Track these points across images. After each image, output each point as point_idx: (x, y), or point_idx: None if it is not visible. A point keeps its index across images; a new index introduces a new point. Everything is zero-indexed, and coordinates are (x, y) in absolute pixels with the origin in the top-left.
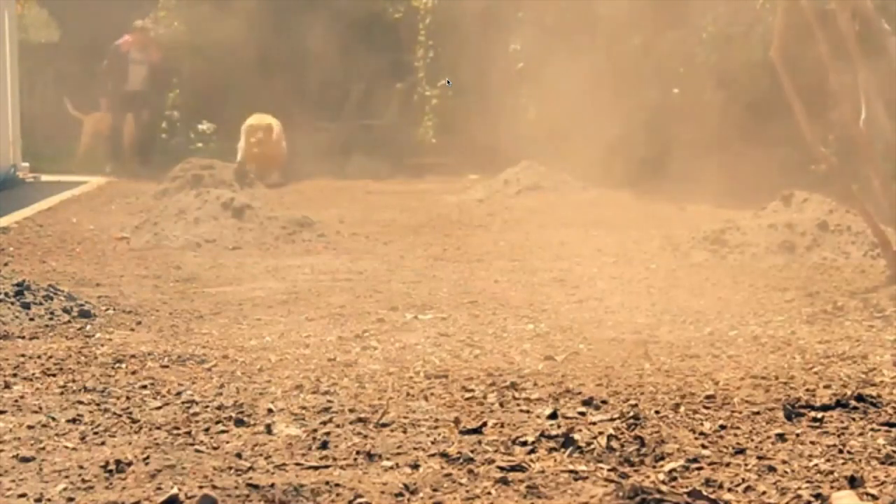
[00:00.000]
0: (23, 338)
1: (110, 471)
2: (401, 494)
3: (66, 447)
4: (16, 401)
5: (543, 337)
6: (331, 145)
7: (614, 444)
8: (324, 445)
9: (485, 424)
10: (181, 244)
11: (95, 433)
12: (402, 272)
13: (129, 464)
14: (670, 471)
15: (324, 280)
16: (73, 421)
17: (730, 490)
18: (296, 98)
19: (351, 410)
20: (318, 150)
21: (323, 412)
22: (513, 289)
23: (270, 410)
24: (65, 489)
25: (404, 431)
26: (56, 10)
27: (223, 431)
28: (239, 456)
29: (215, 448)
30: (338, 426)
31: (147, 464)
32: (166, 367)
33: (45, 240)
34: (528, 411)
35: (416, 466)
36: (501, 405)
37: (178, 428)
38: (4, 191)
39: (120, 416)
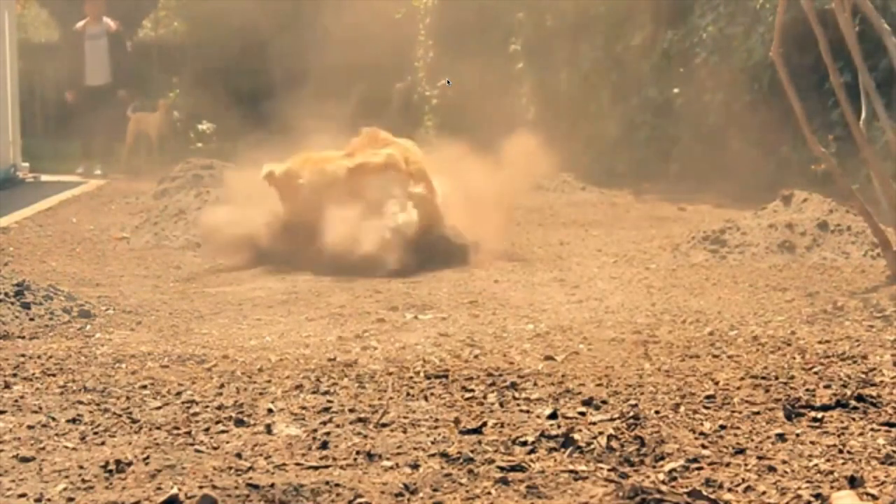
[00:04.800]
0: (23, 338)
1: (110, 471)
2: (401, 494)
3: (66, 447)
4: (16, 401)
5: (543, 337)
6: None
7: (614, 444)
8: (324, 445)
9: (485, 424)
10: (181, 244)
11: (95, 433)
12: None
13: (129, 464)
14: (670, 471)
15: (324, 280)
16: (73, 421)
17: (730, 490)
18: (295, 98)
19: (351, 410)
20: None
21: (323, 412)
22: (513, 289)
23: (270, 410)
24: (65, 489)
25: (404, 431)
26: (56, 10)
27: (223, 431)
28: (239, 456)
29: (215, 448)
30: (338, 426)
31: (147, 464)
32: (166, 367)
33: (45, 240)
34: (528, 411)
35: (416, 466)
36: (501, 405)
37: (178, 428)
38: (4, 191)
39: (120, 416)
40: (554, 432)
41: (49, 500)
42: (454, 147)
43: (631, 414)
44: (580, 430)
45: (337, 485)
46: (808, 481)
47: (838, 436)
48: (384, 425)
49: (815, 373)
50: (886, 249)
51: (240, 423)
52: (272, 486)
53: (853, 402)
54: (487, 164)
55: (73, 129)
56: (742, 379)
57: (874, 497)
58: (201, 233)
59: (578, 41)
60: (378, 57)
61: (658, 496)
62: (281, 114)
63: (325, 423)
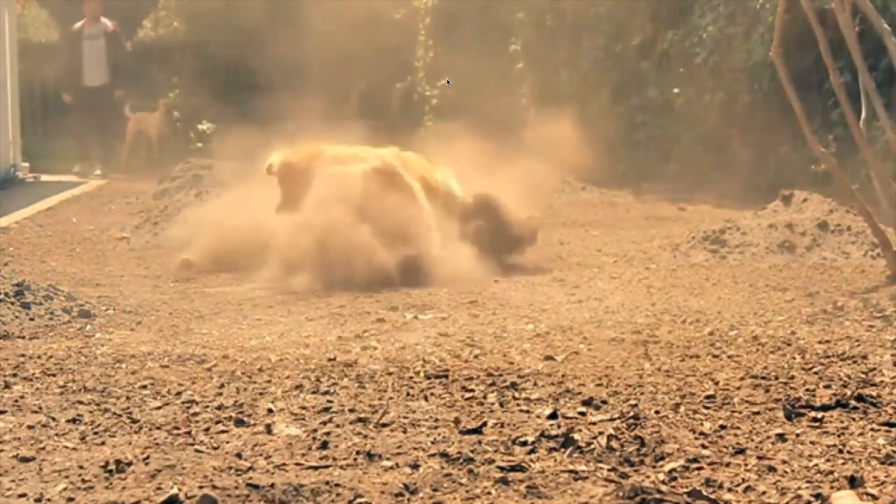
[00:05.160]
0: (23, 338)
1: (110, 471)
2: (401, 494)
3: (66, 447)
4: (16, 401)
5: (543, 337)
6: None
7: (614, 444)
8: (324, 445)
9: (485, 424)
10: (181, 244)
11: (95, 433)
12: None
13: (129, 464)
14: (670, 471)
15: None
16: (73, 421)
17: (730, 490)
18: (295, 98)
19: (351, 410)
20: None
21: (323, 412)
22: (513, 289)
23: (270, 410)
24: (65, 489)
25: (404, 431)
26: (56, 10)
27: (223, 431)
28: (239, 456)
29: (215, 448)
30: (338, 426)
31: (147, 464)
32: (166, 367)
33: (45, 240)
34: (528, 411)
35: (416, 466)
36: (501, 405)
37: (178, 428)
38: (4, 191)
39: (120, 416)
40: (554, 432)
41: (49, 500)
42: (475, 143)
43: (631, 414)
44: (580, 430)
45: (337, 485)
46: (808, 481)
47: (838, 436)
48: (384, 425)
49: (815, 373)
50: (886, 249)
51: (240, 423)
52: (272, 486)
53: (853, 402)
54: (516, 158)
55: (72, 130)
56: (742, 379)
57: (874, 497)
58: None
59: (578, 41)
60: (378, 56)
61: (658, 496)
62: (280, 112)
63: (325, 423)
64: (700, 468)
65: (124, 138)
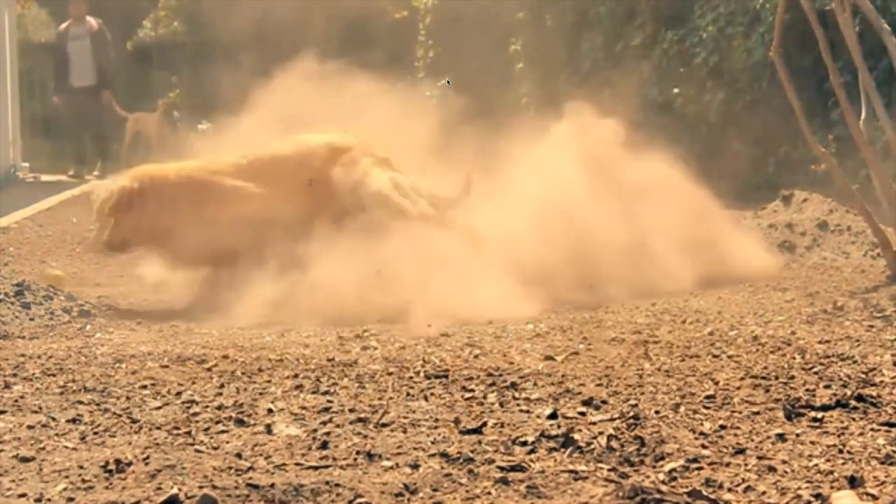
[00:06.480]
0: (23, 338)
1: (110, 471)
2: (401, 494)
3: (66, 447)
4: (16, 401)
5: (543, 337)
6: None
7: (614, 444)
8: (324, 445)
9: (485, 424)
10: None
11: (95, 433)
12: None
13: (129, 464)
14: (670, 471)
15: None
16: (73, 421)
17: (730, 490)
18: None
19: (351, 410)
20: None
21: (323, 412)
22: None
23: (270, 410)
24: (65, 489)
25: (404, 431)
26: (56, 10)
27: (223, 431)
28: (239, 456)
29: (215, 448)
30: (338, 426)
31: (147, 464)
32: (166, 367)
33: (45, 240)
34: (528, 411)
35: (416, 466)
36: (501, 405)
37: (178, 428)
38: (4, 191)
39: (120, 416)
40: (554, 432)
41: (49, 500)
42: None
43: (631, 414)
44: (580, 430)
45: (337, 485)
46: (808, 481)
47: (838, 436)
48: (384, 425)
49: (815, 373)
50: (886, 249)
51: (240, 423)
52: (272, 486)
53: (853, 402)
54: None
55: (64, 131)
56: (742, 379)
57: (874, 497)
58: None
59: (578, 41)
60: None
61: (658, 496)
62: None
63: (325, 423)
64: (700, 468)
65: (119, 138)
